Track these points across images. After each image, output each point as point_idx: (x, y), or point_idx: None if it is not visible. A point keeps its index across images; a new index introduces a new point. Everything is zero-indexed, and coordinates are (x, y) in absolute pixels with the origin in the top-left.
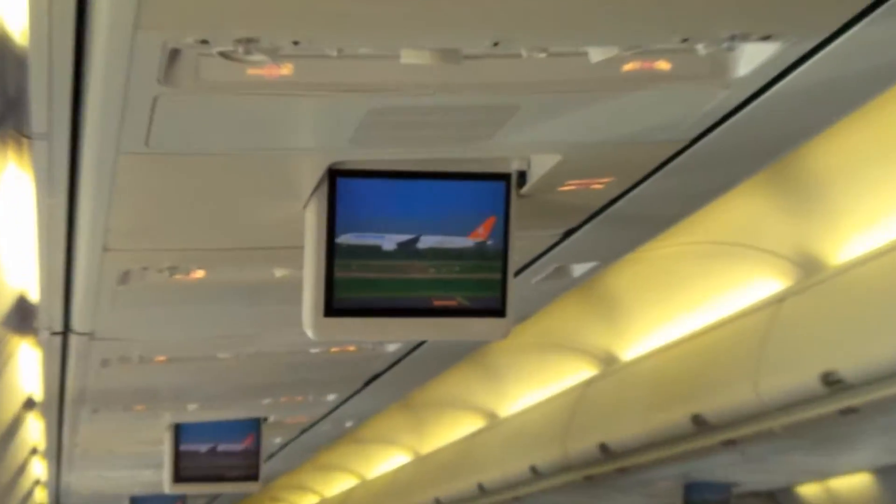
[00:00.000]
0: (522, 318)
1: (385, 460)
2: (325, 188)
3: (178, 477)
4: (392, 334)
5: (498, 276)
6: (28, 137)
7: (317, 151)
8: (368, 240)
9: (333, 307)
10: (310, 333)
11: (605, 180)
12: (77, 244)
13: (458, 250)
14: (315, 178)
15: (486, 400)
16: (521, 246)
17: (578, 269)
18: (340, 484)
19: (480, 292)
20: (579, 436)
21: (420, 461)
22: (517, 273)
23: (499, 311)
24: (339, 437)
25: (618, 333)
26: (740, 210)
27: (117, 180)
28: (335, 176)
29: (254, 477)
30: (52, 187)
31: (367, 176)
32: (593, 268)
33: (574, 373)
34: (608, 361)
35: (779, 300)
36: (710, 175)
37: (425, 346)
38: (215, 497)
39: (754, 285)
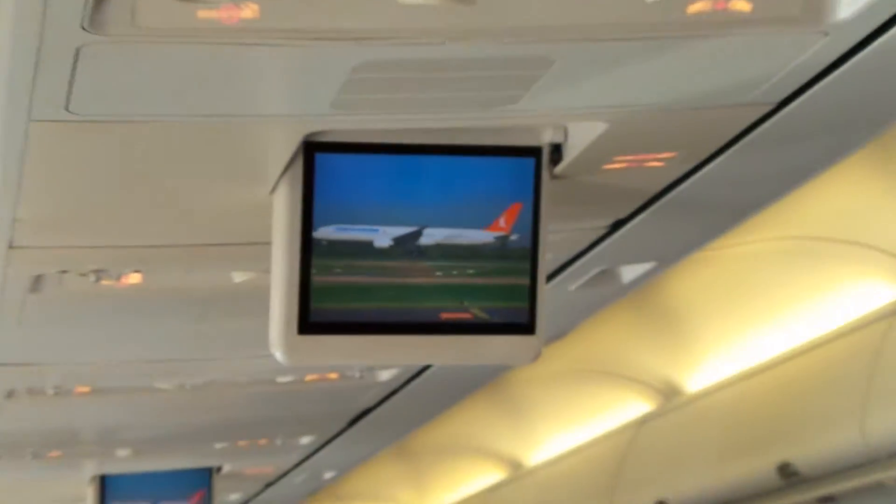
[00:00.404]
0: (556, 336)
1: None
2: (299, 167)
3: None
4: (386, 357)
5: (525, 280)
6: None
7: (288, 119)
8: (356, 234)
9: (310, 322)
10: (279, 356)
11: (665, 156)
12: None
13: (472, 248)
14: (286, 153)
15: (508, 444)
16: (555, 242)
17: (629, 273)
18: None
19: (502, 302)
20: (631, 491)
21: None
22: (550, 277)
23: (526, 327)
24: (316, 493)
25: (681, 357)
26: (845, 196)
27: (29, 156)
28: (312, 151)
29: None
30: None
31: (353, 151)
32: (649, 271)
33: (624, 408)
34: (668, 394)
35: (893, 313)
36: (802, 149)
37: (429, 373)
38: None
39: (862, 293)
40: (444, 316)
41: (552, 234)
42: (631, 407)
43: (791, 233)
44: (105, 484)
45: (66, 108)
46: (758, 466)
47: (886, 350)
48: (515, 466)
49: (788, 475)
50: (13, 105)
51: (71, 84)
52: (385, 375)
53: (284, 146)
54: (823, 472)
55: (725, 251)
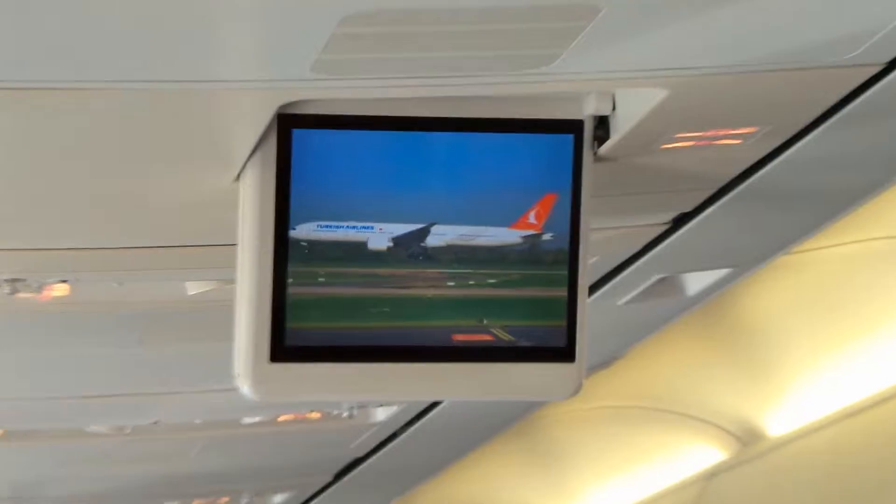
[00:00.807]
0: (601, 364)
1: None
2: (272, 147)
3: None
4: (382, 391)
5: (562, 292)
6: None
7: (258, 86)
8: (345, 233)
9: (285, 345)
10: (245, 390)
11: (742, 132)
12: None
13: (494, 250)
14: (255, 130)
15: (538, 501)
16: (601, 243)
17: (696, 282)
18: None
19: (532, 320)
20: None
21: None
22: (593, 288)
23: (563, 352)
24: None
25: (761, 392)
26: None
27: None
28: (289, 126)
29: None
30: None
31: (341, 126)
32: (721, 279)
33: (688, 456)
34: (745, 438)
35: None
36: None
37: (437, 411)
38: None
39: None
40: (458, 338)
41: (596, 233)
42: (697, 454)
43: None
44: None
45: None
46: None
47: None
48: None
49: None
50: None
51: None
52: (381, 415)
53: (253, 121)
54: None
55: (817, 254)
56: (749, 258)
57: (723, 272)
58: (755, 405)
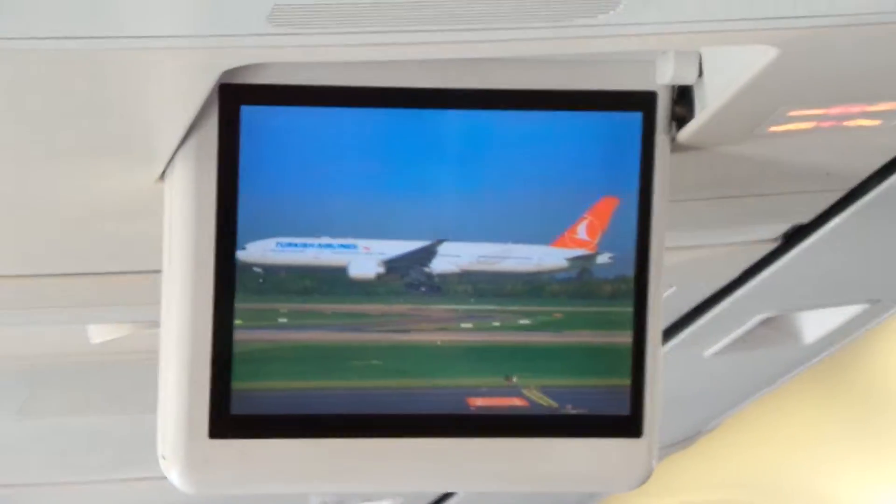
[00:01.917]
0: (682, 441)
1: None
2: (211, 131)
3: None
4: (370, 480)
5: (625, 338)
6: None
7: (193, 43)
8: (316, 254)
9: (231, 415)
10: (174, 477)
11: (886, 109)
12: None
13: (530, 279)
14: (189, 107)
15: None
16: (682, 268)
17: (818, 324)
18: None
19: (583, 378)
20: None
21: None
22: (670, 333)
23: (627, 424)
24: None
25: None
26: None
27: None
28: (236, 102)
29: None
30: None
31: (310, 101)
32: (855, 319)
33: None
34: None
35: None
36: None
37: None
38: None
39: None
40: (477, 403)
41: (674, 254)
42: None
43: None
44: None
45: None
46: None
47: None
48: None
49: None
50: None
51: None
52: None
53: (185, 94)
54: None
55: None
56: (892, 290)
57: (855, 310)
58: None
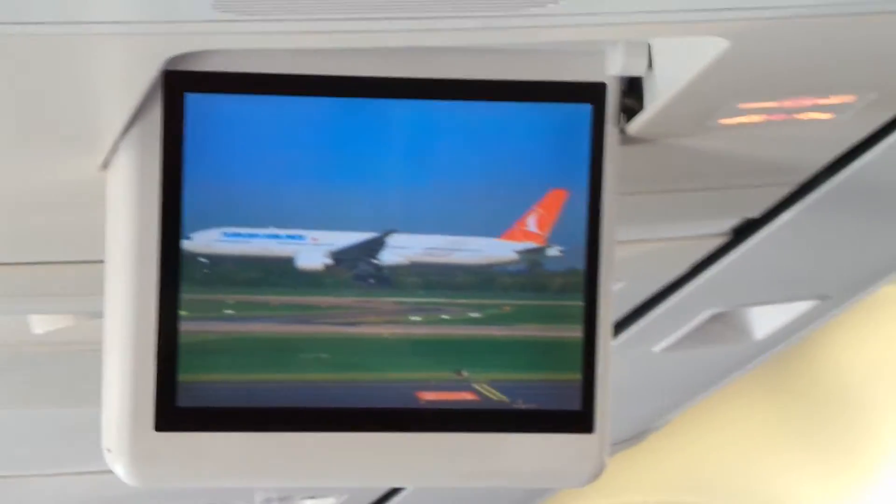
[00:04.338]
0: (630, 439)
1: None
2: (155, 119)
3: None
4: (315, 473)
5: (575, 332)
6: None
7: (136, 29)
8: (262, 245)
9: (177, 407)
10: (120, 471)
11: (836, 102)
12: None
13: (479, 272)
14: (132, 94)
15: None
16: (630, 262)
17: (766, 320)
18: None
19: (534, 372)
20: None
21: None
22: (619, 328)
23: (578, 419)
24: None
25: (852, 478)
26: None
27: None
28: (181, 88)
29: None
30: None
31: (256, 89)
32: (803, 316)
33: None
34: None
35: None
36: None
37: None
38: None
39: None
40: (426, 397)
41: (624, 248)
42: None
43: None
44: None
45: None
46: None
47: None
48: None
49: None
50: None
51: None
52: None
53: (128, 80)
54: None
55: None
56: (841, 286)
57: (804, 306)
58: (843, 496)
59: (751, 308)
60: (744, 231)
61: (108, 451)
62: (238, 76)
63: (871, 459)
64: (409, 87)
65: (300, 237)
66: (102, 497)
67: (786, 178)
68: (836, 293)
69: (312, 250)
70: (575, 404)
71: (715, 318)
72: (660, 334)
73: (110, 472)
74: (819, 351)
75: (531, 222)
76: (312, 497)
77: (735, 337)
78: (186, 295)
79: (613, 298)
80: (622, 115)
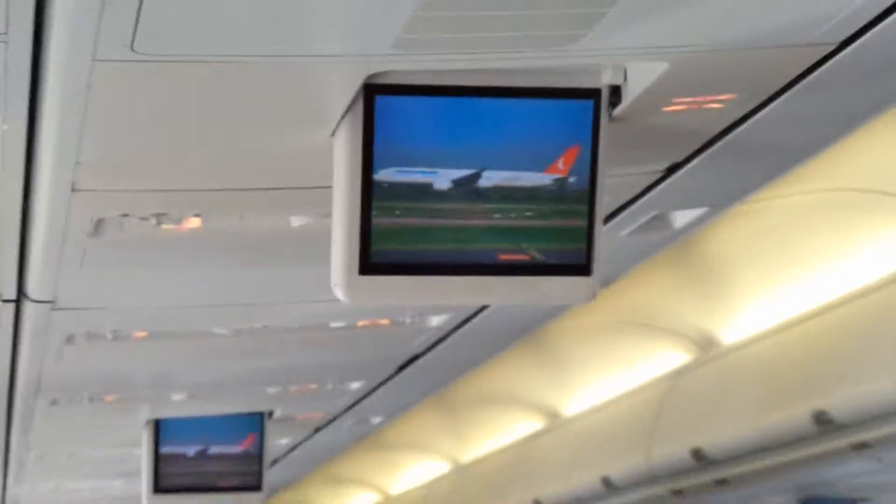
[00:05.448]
0: (605, 282)
1: (414, 471)
2: (359, 109)
3: (159, 487)
4: (444, 297)
5: (582, 222)
6: None
7: (350, 59)
8: (416, 176)
9: (371, 262)
10: (340, 295)
11: (724, 98)
12: (38, 182)
13: (530, 190)
14: (347, 95)
15: (546, 395)
16: (611, 186)
17: (682, 218)
18: (357, 501)
19: (560, 244)
20: (667, 439)
21: (460, 472)
22: (603, 222)
23: (583, 268)
24: (360, 441)
25: (718, 310)
26: (881, 150)
27: (93, 97)
28: (373, 93)
29: (255, 486)
30: (9, 106)
31: (414, 93)
32: (701, 216)
33: (661, 360)
34: (705, 345)
35: None
36: (862, 91)
37: (478, 319)
38: None
39: None
40: (502, 257)
41: (608, 178)
42: (668, 358)
43: (829, 185)
44: (159, 428)
45: (131, 48)
46: (793, 415)
47: None
48: (553, 416)
49: (823, 423)
50: (77, 45)
51: (136, 23)
52: (436, 321)
53: (345, 88)
54: (858, 420)
55: (764, 203)
56: (724, 199)
57: (703, 210)
58: (714, 320)
59: (675, 211)
60: (672, 168)
61: (335, 285)
62: (405, 86)
63: (732, 298)
64: (496, 91)
65: (436, 172)
66: (322, 315)
67: (696, 139)
68: (719, 203)
69: (442, 179)
70: (582, 261)
71: (655, 217)
72: (625, 226)
73: (325, 301)
74: (704, 238)
75: (560, 164)
76: (442, 312)
77: (665, 228)
78: (375, 203)
79: (602, 206)
80: (610, 106)
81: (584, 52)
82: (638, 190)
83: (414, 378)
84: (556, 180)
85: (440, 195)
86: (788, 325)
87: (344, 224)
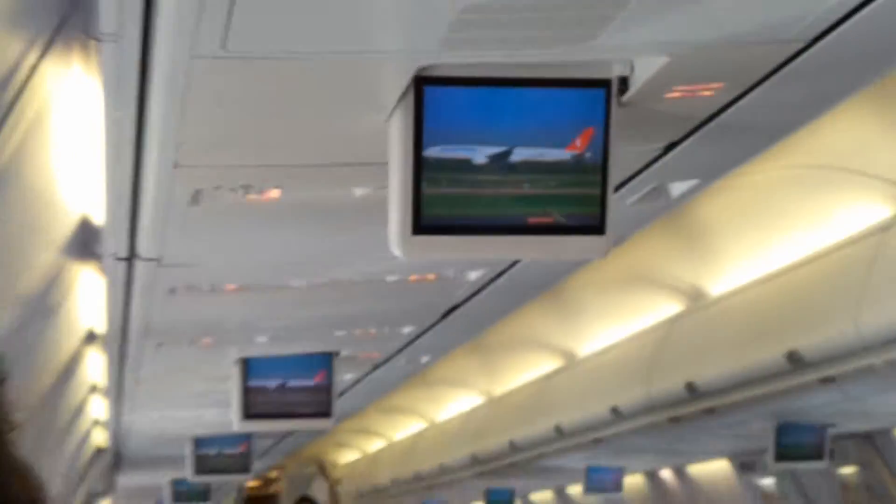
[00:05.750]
0: (615, 242)
1: (455, 402)
2: (411, 98)
3: (248, 413)
4: (485, 252)
5: (597, 191)
6: (96, 39)
7: (404, 55)
8: (458, 153)
9: (422, 225)
10: (397, 252)
11: (714, 86)
12: (146, 160)
13: (553, 164)
14: (400, 86)
15: (564, 339)
16: (620, 160)
17: (677, 189)
18: (408, 427)
19: (578, 208)
20: (664, 375)
21: (493, 403)
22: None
23: (597, 229)
24: (411, 376)
25: (707, 267)
26: (846, 132)
27: (190, 89)
28: (422, 84)
29: (326, 413)
30: (121, 96)
31: (456, 83)
32: (693, 187)
33: (659, 309)
34: (696, 297)
35: (884, 229)
36: (831, 80)
37: (509, 274)
38: (277, 442)
39: (858, 213)
40: (531, 220)
41: (617, 154)
42: (665, 308)
43: (801, 161)
44: (247, 365)
45: (223, 47)
46: (770, 354)
47: (878, 259)
48: (570, 357)
49: (795, 361)
50: (178, 44)
51: (227, 25)
52: (473, 276)
53: (399, 80)
54: (825, 358)
55: (746, 178)
56: (714, 172)
57: (695, 182)
58: (703, 275)
59: (672, 183)
60: (670, 146)
61: (392, 243)
62: (449, 77)
63: (719, 258)
64: (525, 81)
65: (474, 149)
66: (379, 272)
67: (691, 121)
68: (708, 176)
69: (479, 155)
70: (596, 223)
71: (654, 188)
72: (629, 196)
73: (383, 259)
74: (694, 208)
75: (578, 142)
76: (480, 268)
77: (663, 197)
78: (425, 175)
79: (614, 177)
80: (619, 93)
81: (599, 48)
82: (641, 165)
83: (455, 324)
84: (575, 156)
85: (478, 168)
86: (766, 280)
87: (399, 193)
